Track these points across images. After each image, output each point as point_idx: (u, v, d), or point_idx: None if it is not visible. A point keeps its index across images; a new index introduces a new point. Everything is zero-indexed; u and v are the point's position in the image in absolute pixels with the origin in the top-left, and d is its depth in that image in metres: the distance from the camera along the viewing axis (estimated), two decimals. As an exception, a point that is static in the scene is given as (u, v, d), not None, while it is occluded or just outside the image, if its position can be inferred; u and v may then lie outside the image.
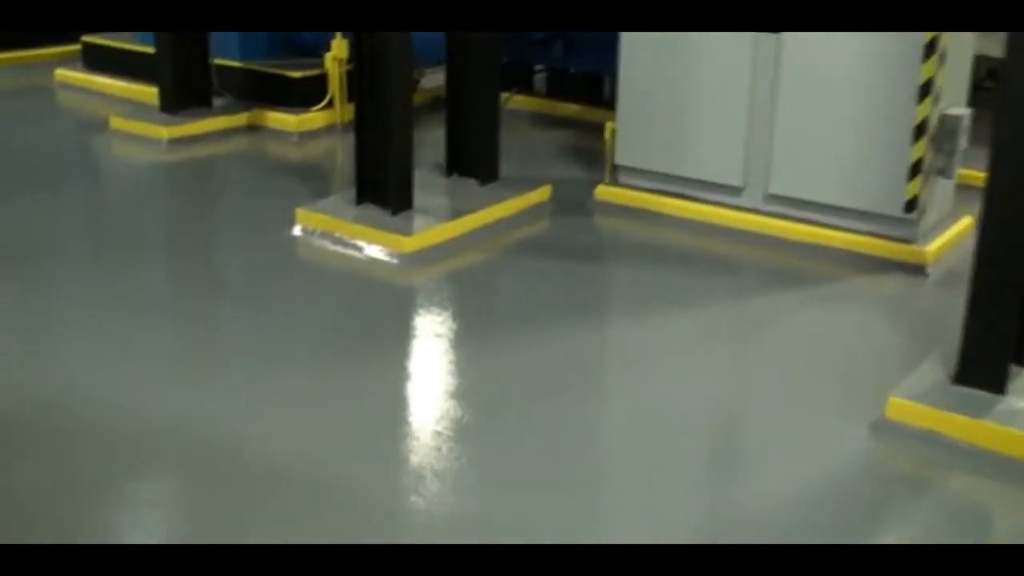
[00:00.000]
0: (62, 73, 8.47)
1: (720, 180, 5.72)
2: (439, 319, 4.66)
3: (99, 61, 8.39)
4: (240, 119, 7.33)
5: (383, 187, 5.50)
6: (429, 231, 5.35)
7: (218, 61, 7.41)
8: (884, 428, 3.71)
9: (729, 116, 5.60)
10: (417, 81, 7.68)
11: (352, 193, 5.60)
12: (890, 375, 4.00)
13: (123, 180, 6.68)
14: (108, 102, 7.89)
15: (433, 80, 7.65)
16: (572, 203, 6.01)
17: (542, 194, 5.97)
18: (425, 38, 6.33)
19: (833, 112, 5.31)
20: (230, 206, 6.29)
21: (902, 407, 3.72)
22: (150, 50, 7.36)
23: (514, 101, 7.76)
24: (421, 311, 4.77)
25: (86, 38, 8.51)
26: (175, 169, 6.81)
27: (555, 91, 7.89)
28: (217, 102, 7.41)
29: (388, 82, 5.35)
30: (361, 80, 5.48)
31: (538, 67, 7.99)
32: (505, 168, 6.09)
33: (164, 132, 7.01)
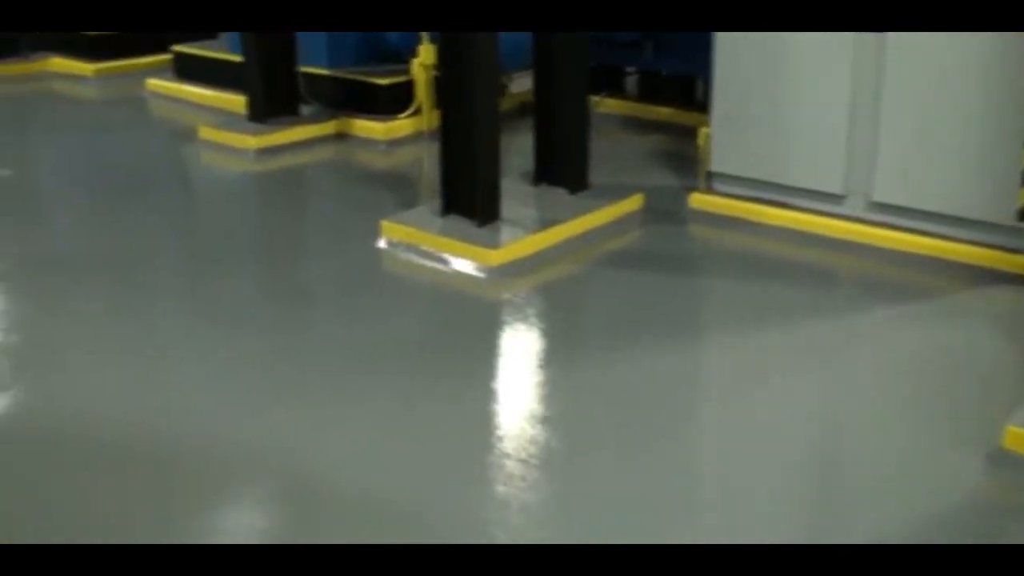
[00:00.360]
0: (154, 83, 8.53)
1: (820, 187, 5.48)
2: (527, 336, 4.52)
3: (190, 70, 8.45)
4: (327, 127, 7.29)
5: (469, 197, 5.38)
6: (516, 243, 5.21)
7: (305, 69, 7.38)
8: (1002, 460, 3.47)
9: (830, 120, 5.36)
10: (505, 87, 7.57)
11: (438, 203, 5.49)
12: (1004, 400, 3.75)
13: (210, 189, 6.69)
14: (199, 111, 7.94)
15: (521, 85, 7.53)
16: (665, 212, 5.83)
17: (634, 203, 5.79)
18: (512, 42, 6.21)
19: (940, 116, 5.04)
20: (316, 216, 6.24)
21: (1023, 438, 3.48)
22: (239, 59, 7.36)
23: (604, 105, 7.60)
24: (508, 327, 4.63)
25: (177, 48, 8.57)
26: (262, 178, 6.80)
27: (646, 94, 7.71)
28: (305, 110, 7.39)
29: (473, 88, 5.23)
30: (446, 86, 5.37)
31: (629, 69, 7.82)
32: (595, 176, 5.93)
33: (252, 141, 7.00)
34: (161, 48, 8.90)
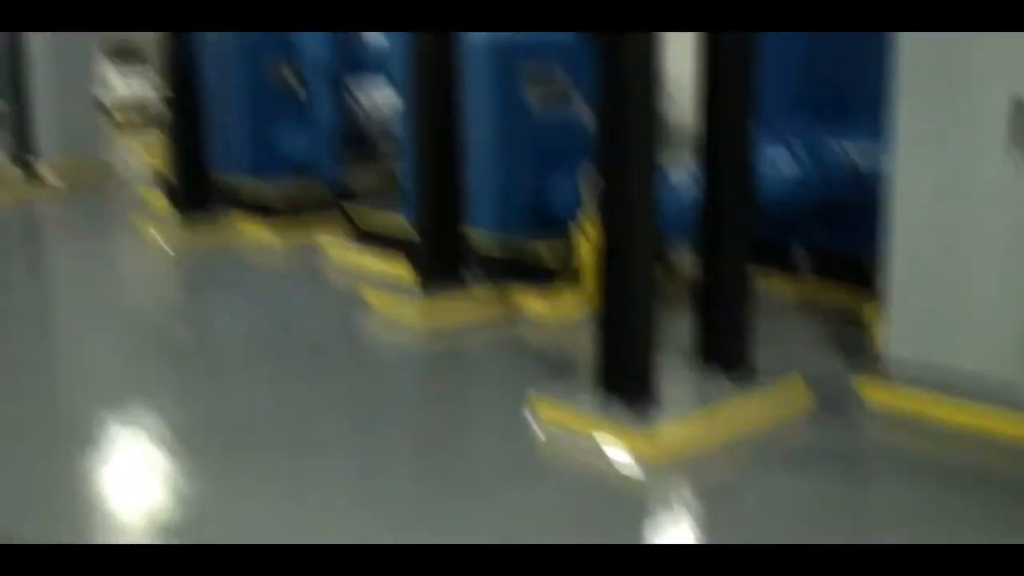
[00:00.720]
0: (329, 246, 8.74)
1: (1021, 380, 5.00)
2: (679, 541, 4.21)
3: (363, 235, 8.63)
4: (492, 297, 7.26)
5: (623, 377, 5.20)
6: (671, 430, 4.97)
7: (471, 238, 7.43)
8: None
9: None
10: (671, 262, 7.43)
11: (593, 381, 5.32)
12: None
13: (372, 359, 6.68)
14: (370, 277, 8.06)
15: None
16: (835, 402, 5.47)
17: (798, 389, 5.48)
18: (678, 214, 6.10)
19: None
20: (472, 390, 6.14)
21: None
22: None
23: (772, 283, 7.36)
24: (658, 530, 4.34)
25: (353, 212, 8.80)
26: (423, 349, 6.77)
27: (817, 272, 7.42)
28: (470, 279, 7.40)
29: (630, 260, 5.10)
30: (602, 258, 5.26)
31: (797, 246, 7.57)
32: (759, 358, 5.66)
33: (414, 309, 7.03)
34: (339, 213, 9.15)
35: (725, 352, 5.59)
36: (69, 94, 12.36)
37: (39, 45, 12.11)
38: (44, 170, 12.00)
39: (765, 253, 7.31)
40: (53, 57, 12.24)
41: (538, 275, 7.28)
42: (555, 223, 7.54)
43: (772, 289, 7.35)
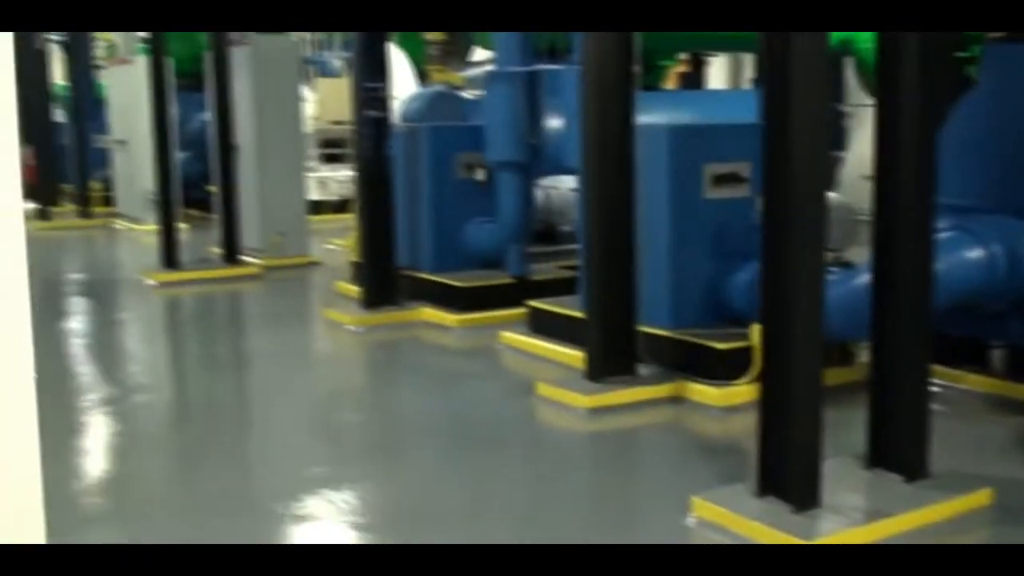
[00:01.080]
0: (508, 336, 8.77)
1: None
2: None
3: (542, 325, 8.62)
4: (663, 390, 7.08)
5: (785, 477, 4.92)
6: (836, 536, 4.66)
7: (644, 328, 7.29)
8: None
9: None
10: (852, 355, 7.09)
11: (758, 484, 5.06)
12: None
13: (537, 447, 6.61)
14: (545, 366, 8.03)
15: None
16: (1021, 512, 5.04)
17: (981, 498, 5.06)
18: (851, 307, 5.81)
19: None
20: (634, 483, 5.97)
21: None
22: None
23: (965, 381, 6.89)
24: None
25: (531, 303, 8.82)
26: (589, 440, 6.68)
27: (1014, 371, 6.91)
28: (642, 370, 7.25)
29: (791, 351, 4.87)
30: (764, 356, 5.04)
31: (994, 342, 7.08)
32: (941, 462, 5.27)
33: (584, 401, 6.92)
34: (519, 303, 9.18)
35: (900, 455, 5.23)
36: (277, 188, 12.97)
37: (249, 135, 12.79)
38: (249, 261, 12.57)
39: (953, 349, 6.88)
40: (263, 151, 12.89)
41: (712, 368, 7.05)
42: (732, 316, 7.34)
43: (960, 387, 6.89)
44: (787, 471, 4.91)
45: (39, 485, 2.27)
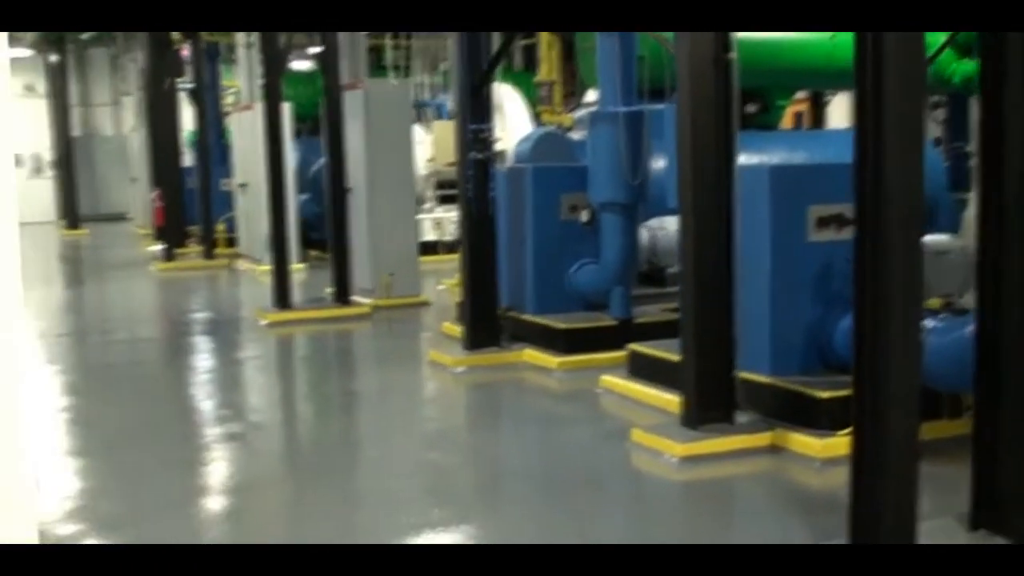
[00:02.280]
0: (608, 379, 8.61)
1: None
2: None
3: (643, 369, 8.43)
4: (761, 439, 6.82)
5: (879, 537, 4.64)
6: (932, 601, 4.37)
7: (743, 375, 7.05)
8: None
9: None
10: (963, 407, 6.72)
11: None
12: None
13: (627, 497, 6.43)
14: (643, 411, 7.85)
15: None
16: None
17: (1097, 563, 4.70)
18: (952, 357, 5.50)
19: None
20: (726, 537, 5.73)
21: None
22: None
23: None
24: None
25: (632, 346, 8.64)
26: (682, 490, 6.49)
27: None
28: (740, 418, 7.01)
29: (885, 406, 4.60)
30: (858, 404, 4.77)
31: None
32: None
33: (678, 449, 6.70)
34: (622, 346, 9.00)
35: (1009, 517, 4.89)
36: (388, 229, 13.07)
37: (361, 178, 12.93)
38: (359, 302, 12.67)
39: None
40: (375, 193, 13.01)
41: (813, 418, 6.77)
42: (836, 364, 7.04)
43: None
44: (880, 531, 4.64)
45: (32, 486, 2.26)
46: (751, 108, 11.85)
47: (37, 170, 29.76)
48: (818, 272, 7.17)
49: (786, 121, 13.59)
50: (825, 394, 6.76)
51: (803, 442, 6.69)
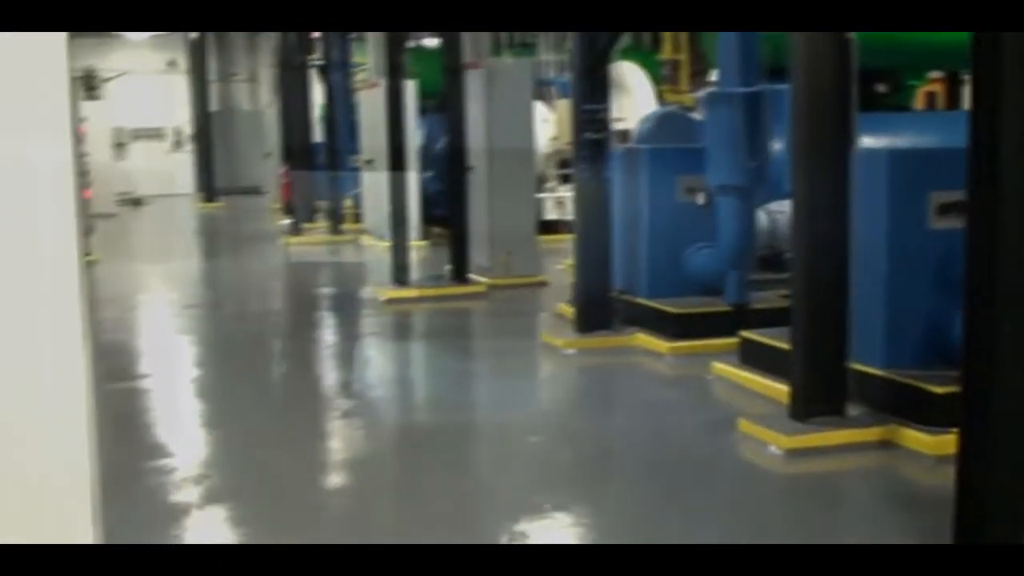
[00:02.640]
0: (719, 366, 8.44)
1: None
2: None
3: (754, 356, 8.24)
4: (872, 433, 6.60)
5: (985, 538, 4.43)
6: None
7: (855, 366, 6.82)
8: None
9: None
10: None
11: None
12: None
13: (730, 488, 6.29)
14: (754, 400, 7.69)
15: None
16: None
17: None
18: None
19: None
20: (829, 535, 5.56)
21: None
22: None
23: None
24: None
25: (744, 333, 8.45)
26: (785, 482, 6.33)
27: None
28: (850, 411, 6.78)
29: (995, 400, 4.38)
30: (966, 397, 4.56)
31: None
32: None
33: (785, 441, 6.53)
34: (736, 332, 8.82)
35: None
36: (507, 208, 13.06)
37: (482, 156, 12.94)
38: (477, 280, 12.71)
39: None
40: (495, 172, 13.02)
41: (927, 413, 6.51)
42: (954, 358, 6.75)
43: None
44: (987, 532, 4.43)
45: (89, 487, 2.29)
46: (881, 88, 11.43)
47: (177, 144, 30.72)
48: (938, 261, 6.88)
49: (918, 102, 13.07)
50: (940, 389, 6.49)
51: (915, 438, 6.44)
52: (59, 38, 2.29)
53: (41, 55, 2.30)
